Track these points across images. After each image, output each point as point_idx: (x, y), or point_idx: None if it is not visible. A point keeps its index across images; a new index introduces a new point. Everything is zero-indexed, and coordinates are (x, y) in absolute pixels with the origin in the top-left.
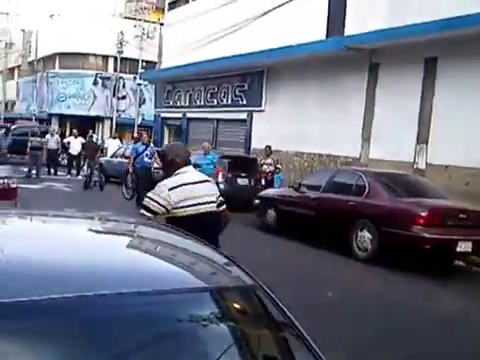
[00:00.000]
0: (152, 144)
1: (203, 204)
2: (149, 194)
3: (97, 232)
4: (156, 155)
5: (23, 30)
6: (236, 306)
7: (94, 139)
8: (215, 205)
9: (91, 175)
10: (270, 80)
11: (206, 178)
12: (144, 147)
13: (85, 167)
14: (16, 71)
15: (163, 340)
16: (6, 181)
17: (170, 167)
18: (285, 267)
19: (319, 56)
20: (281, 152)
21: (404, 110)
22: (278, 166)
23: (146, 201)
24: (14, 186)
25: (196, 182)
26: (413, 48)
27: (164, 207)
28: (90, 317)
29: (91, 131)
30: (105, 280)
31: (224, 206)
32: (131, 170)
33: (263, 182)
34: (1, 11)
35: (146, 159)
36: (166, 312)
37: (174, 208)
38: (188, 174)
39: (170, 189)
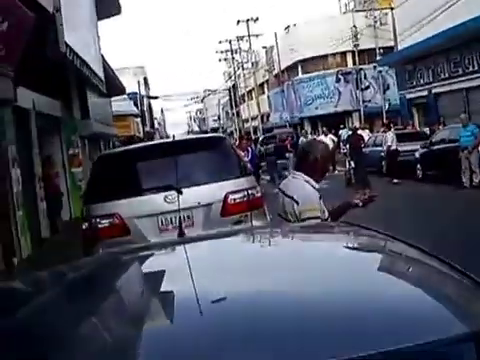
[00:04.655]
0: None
1: None
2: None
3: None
4: None
5: (265, 47)
6: None
7: (359, 131)
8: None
9: (356, 170)
10: None
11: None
12: None
13: (347, 161)
14: (265, 85)
15: None
16: (250, 192)
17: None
18: None
19: None
20: None
21: None
22: None
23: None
24: (259, 195)
25: None
26: None
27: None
28: None
29: (342, 126)
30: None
31: None
32: None
33: None
34: (243, 35)
35: None
36: None
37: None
38: None
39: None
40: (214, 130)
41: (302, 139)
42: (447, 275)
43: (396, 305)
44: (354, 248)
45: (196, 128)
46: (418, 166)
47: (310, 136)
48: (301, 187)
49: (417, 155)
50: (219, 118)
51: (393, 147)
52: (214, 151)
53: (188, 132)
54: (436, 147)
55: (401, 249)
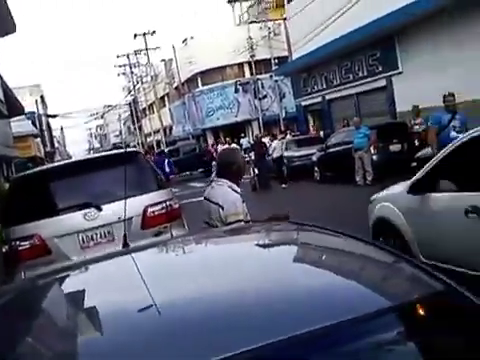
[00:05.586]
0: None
1: None
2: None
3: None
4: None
5: (163, 60)
6: (426, 322)
7: (262, 139)
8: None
9: (260, 175)
10: (401, 40)
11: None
12: (450, 115)
13: (252, 168)
14: (166, 98)
15: None
16: (168, 203)
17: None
18: None
19: (446, 4)
20: (431, 108)
21: None
22: (430, 124)
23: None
24: (177, 206)
25: None
26: None
27: None
28: None
29: (242, 135)
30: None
31: None
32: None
33: (417, 143)
34: (141, 48)
35: (453, 133)
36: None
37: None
38: None
39: None
40: (117, 147)
41: (220, 147)
42: (372, 256)
43: (325, 288)
44: (293, 243)
45: (97, 145)
46: (316, 169)
47: (222, 145)
48: (225, 193)
49: (314, 158)
50: (121, 133)
51: (275, 155)
52: (130, 166)
53: (89, 149)
54: (331, 150)
55: (339, 241)
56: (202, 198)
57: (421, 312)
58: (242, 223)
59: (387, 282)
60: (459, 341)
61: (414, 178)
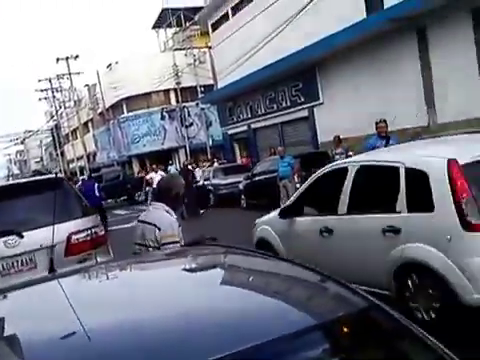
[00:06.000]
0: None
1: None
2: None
3: (182, 275)
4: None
5: (87, 85)
6: (351, 338)
7: (189, 167)
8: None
9: (188, 203)
10: (322, 72)
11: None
12: (384, 141)
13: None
14: (90, 124)
15: None
16: (93, 230)
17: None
18: None
19: (364, 36)
20: (351, 138)
21: (463, 65)
22: (350, 153)
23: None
24: (102, 233)
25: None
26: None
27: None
28: None
29: (170, 162)
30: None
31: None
32: None
33: None
34: (63, 73)
35: None
36: None
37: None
38: None
39: None
40: (39, 172)
41: (153, 175)
42: (298, 276)
43: (253, 309)
44: (221, 266)
45: (17, 171)
46: (242, 197)
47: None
48: (162, 216)
49: (241, 186)
50: (42, 159)
51: (199, 183)
52: (53, 192)
53: (8, 176)
54: (257, 178)
55: (267, 262)
56: (128, 225)
57: (346, 329)
58: (178, 245)
59: (313, 301)
60: (383, 356)
61: (284, 205)
